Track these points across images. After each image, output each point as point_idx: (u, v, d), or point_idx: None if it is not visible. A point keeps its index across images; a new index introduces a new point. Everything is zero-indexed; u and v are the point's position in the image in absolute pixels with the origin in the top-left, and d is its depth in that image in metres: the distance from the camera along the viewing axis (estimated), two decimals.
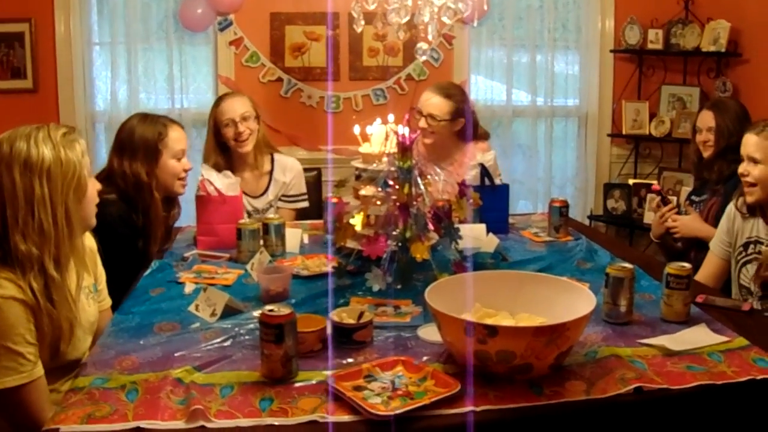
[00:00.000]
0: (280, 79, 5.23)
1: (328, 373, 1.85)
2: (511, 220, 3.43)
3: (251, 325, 2.17)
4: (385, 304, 2.37)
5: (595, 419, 1.77)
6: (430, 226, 2.52)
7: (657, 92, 5.52)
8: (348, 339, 2.04)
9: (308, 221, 3.62)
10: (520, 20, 5.47)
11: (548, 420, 1.74)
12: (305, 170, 4.03)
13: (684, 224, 3.53)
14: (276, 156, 3.89)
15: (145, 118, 3.12)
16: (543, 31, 5.47)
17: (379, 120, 2.73)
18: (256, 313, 2.12)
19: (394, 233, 2.45)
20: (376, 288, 2.40)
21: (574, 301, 1.98)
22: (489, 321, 1.97)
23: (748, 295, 2.89)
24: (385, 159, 2.59)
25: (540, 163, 5.67)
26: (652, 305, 2.35)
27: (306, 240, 3.18)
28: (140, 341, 2.11)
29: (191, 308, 2.33)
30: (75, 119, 5.06)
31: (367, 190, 2.58)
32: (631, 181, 5.50)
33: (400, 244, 2.44)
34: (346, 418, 1.68)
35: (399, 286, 2.46)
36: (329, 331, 2.07)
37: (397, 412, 1.65)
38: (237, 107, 3.67)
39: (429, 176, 2.54)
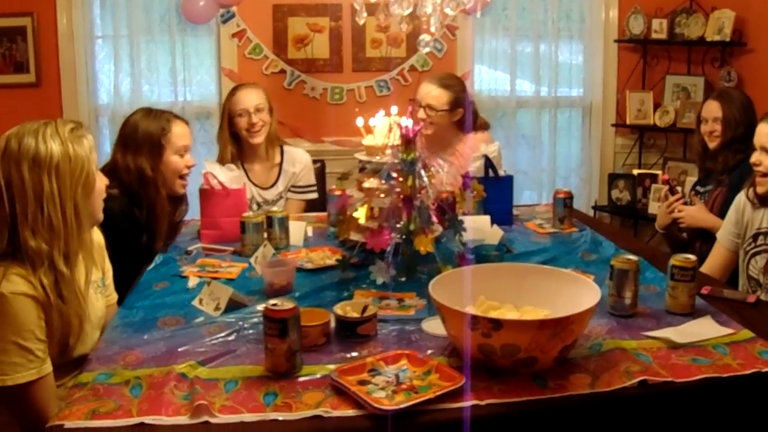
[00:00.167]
0: (283, 71, 5.23)
1: (332, 367, 1.85)
2: (515, 212, 3.42)
3: (255, 319, 2.16)
4: (389, 297, 2.36)
5: (599, 412, 1.77)
6: (434, 219, 2.51)
7: (661, 82, 5.50)
8: (352, 332, 2.04)
9: (313, 213, 3.62)
10: (523, 10, 5.45)
11: (553, 413, 1.73)
12: None
13: (689, 215, 3.51)
14: (285, 148, 3.90)
15: (149, 112, 3.11)
16: (547, 21, 5.46)
17: (382, 112, 2.72)
18: (260, 307, 2.12)
19: (398, 226, 2.45)
20: (380, 281, 2.40)
21: (578, 293, 1.97)
22: (493, 314, 1.97)
23: (756, 286, 2.88)
24: (388, 151, 2.58)
25: (544, 153, 5.66)
26: (657, 297, 2.35)
27: (310, 233, 3.17)
28: (144, 336, 2.11)
29: (195, 302, 2.32)
30: (78, 113, 5.06)
31: (370, 183, 2.58)
32: (635, 172, 5.49)
33: (404, 236, 2.44)
34: (350, 412, 1.67)
35: (403, 279, 2.46)
36: (333, 324, 2.07)
37: (401, 406, 1.64)
38: (251, 98, 3.69)
39: (432, 168, 2.53)
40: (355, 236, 2.60)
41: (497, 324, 1.74)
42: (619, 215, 5.63)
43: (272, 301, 1.87)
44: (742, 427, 1.87)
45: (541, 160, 5.65)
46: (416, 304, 2.30)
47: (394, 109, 2.66)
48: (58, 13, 5.05)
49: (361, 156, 2.71)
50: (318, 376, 1.84)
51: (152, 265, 2.76)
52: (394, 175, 2.48)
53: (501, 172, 3.28)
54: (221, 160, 3.70)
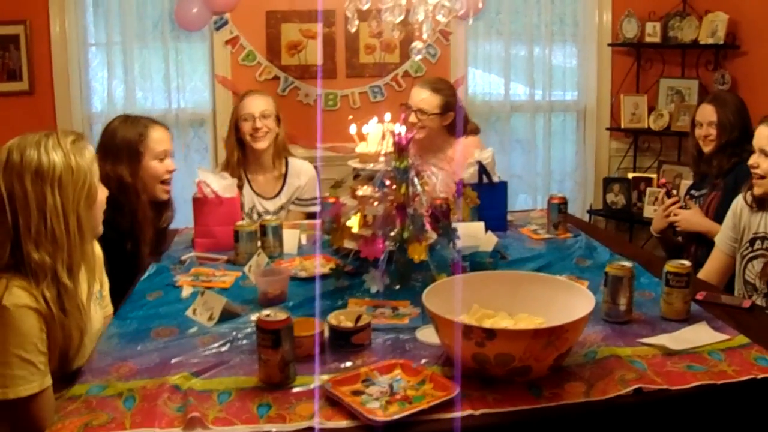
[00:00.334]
0: (276, 78, 5.22)
1: (326, 377, 1.84)
2: (509, 218, 3.42)
3: (249, 329, 2.15)
4: (383, 305, 2.35)
5: (594, 421, 1.76)
6: (428, 227, 2.50)
7: (655, 85, 5.51)
8: (346, 342, 2.03)
9: (306, 221, 3.61)
10: (517, 14, 5.45)
11: (548, 422, 1.72)
12: None
13: (685, 218, 3.51)
14: (290, 159, 3.87)
15: (127, 119, 3.10)
16: (540, 25, 5.47)
17: (375, 119, 2.72)
18: (254, 317, 2.11)
19: (392, 234, 2.44)
20: (374, 290, 2.39)
21: (572, 300, 1.97)
22: (487, 322, 1.97)
23: (752, 291, 2.87)
24: (381, 159, 2.58)
25: (539, 158, 5.65)
26: (652, 303, 2.34)
27: (304, 241, 3.16)
28: (137, 347, 2.10)
29: (189, 312, 2.32)
30: (72, 121, 5.05)
31: (364, 190, 2.57)
32: (630, 175, 5.49)
33: (397, 244, 2.43)
34: (344, 423, 1.66)
35: (397, 287, 2.45)
36: (327, 334, 2.06)
37: (395, 417, 1.63)
38: (258, 103, 3.71)
39: (425, 176, 2.52)
40: (349, 244, 2.60)
41: (491, 333, 1.73)
42: (614, 219, 5.63)
43: (265, 312, 1.87)
44: None
45: (536, 164, 5.65)
46: (410, 313, 2.29)
47: (387, 116, 2.65)
48: (51, 21, 5.03)
49: (355, 163, 2.71)
50: (312, 386, 1.83)
51: (146, 275, 2.75)
52: (388, 182, 2.48)
53: (495, 178, 3.27)
54: (226, 165, 3.72)
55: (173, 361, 1.99)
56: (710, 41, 5.21)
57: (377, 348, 2.06)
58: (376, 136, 2.65)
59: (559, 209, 3.24)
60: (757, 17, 5.05)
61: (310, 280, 2.64)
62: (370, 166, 2.61)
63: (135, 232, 2.95)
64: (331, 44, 5.23)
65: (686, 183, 4.14)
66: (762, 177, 2.85)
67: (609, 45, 5.49)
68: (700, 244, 3.48)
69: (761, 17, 5.00)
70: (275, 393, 1.80)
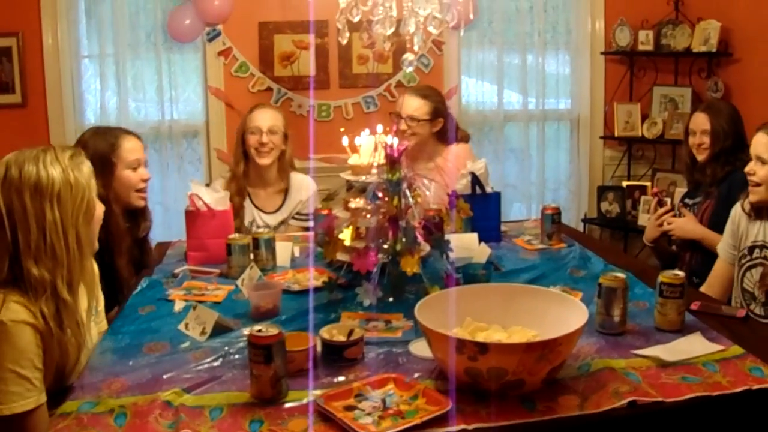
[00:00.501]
0: (269, 89, 5.21)
1: (318, 393, 1.83)
2: (503, 228, 3.41)
3: (241, 344, 2.14)
4: (376, 318, 2.34)
5: None
6: (420, 239, 2.49)
7: (648, 93, 5.50)
8: (339, 356, 2.02)
9: (300, 233, 3.59)
10: (509, 23, 5.45)
11: None
12: None
13: (679, 226, 3.51)
14: (292, 174, 3.83)
15: (98, 131, 3.10)
16: (533, 34, 5.46)
17: (367, 131, 2.71)
18: (246, 331, 2.09)
19: (385, 246, 2.43)
20: (366, 303, 2.38)
21: (566, 313, 1.96)
22: (480, 335, 1.96)
23: (751, 300, 2.86)
24: (374, 171, 2.57)
25: (533, 167, 5.65)
26: (646, 314, 2.33)
27: (297, 253, 3.15)
28: (129, 362, 2.09)
29: (181, 327, 2.30)
30: (65, 133, 5.04)
31: (356, 203, 2.56)
32: (624, 184, 5.48)
33: (390, 257, 2.42)
34: None
35: (390, 299, 2.44)
36: (319, 348, 2.05)
37: None
38: (266, 118, 3.68)
39: (418, 188, 2.52)
40: (341, 256, 2.59)
41: (483, 347, 1.72)
42: (608, 228, 5.62)
43: (257, 327, 1.86)
44: None
45: (530, 173, 5.64)
46: (403, 326, 2.28)
47: (379, 128, 2.65)
48: (44, 33, 5.02)
49: (347, 176, 2.70)
50: (304, 401, 1.82)
51: (138, 289, 2.74)
52: (380, 194, 2.47)
53: (488, 189, 3.27)
54: (232, 176, 3.71)
55: (165, 376, 1.98)
56: (703, 49, 5.21)
57: (370, 362, 2.05)
58: (368, 148, 2.64)
59: (552, 219, 3.24)
60: (750, 25, 5.06)
61: (303, 293, 2.62)
62: (363, 178, 2.61)
63: (110, 244, 2.91)
64: (323, 55, 5.23)
65: (680, 191, 4.15)
66: (758, 184, 2.84)
67: (602, 53, 5.49)
68: (694, 252, 3.48)
69: (754, 25, 5.01)
70: (267, 409, 1.79)
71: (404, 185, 2.45)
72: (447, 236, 2.60)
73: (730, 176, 3.41)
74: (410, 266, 2.38)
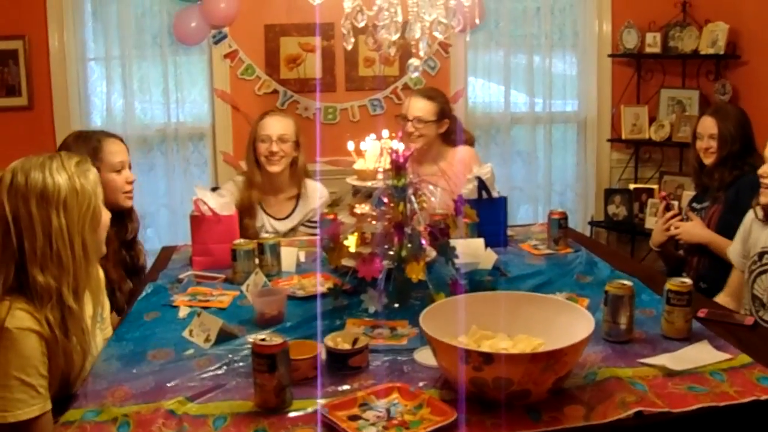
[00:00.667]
0: (275, 92, 5.20)
1: (322, 402, 1.82)
2: (510, 232, 3.40)
3: (245, 351, 2.13)
4: (381, 325, 2.34)
5: None
6: (426, 245, 2.48)
7: (656, 96, 5.48)
8: (343, 365, 2.01)
9: (305, 237, 3.58)
10: (516, 25, 5.43)
11: None
12: None
13: (686, 231, 3.49)
14: (306, 181, 3.81)
15: (80, 135, 3.09)
16: (540, 36, 5.45)
17: (373, 136, 2.70)
18: (251, 338, 2.09)
19: (390, 253, 2.42)
20: (371, 310, 2.37)
21: (572, 321, 1.95)
22: (486, 344, 1.95)
23: (760, 307, 2.83)
24: (380, 176, 2.56)
25: (540, 169, 5.63)
26: (653, 321, 2.31)
27: (302, 258, 3.14)
28: (133, 370, 2.09)
29: (185, 333, 2.30)
30: None
31: (361, 208, 2.55)
32: (631, 186, 5.46)
33: (395, 263, 2.41)
34: None
35: (396, 305, 2.43)
36: (324, 356, 2.04)
37: None
38: (277, 126, 3.65)
39: (423, 194, 2.51)
40: (347, 262, 2.57)
41: (488, 358, 1.71)
42: (615, 231, 5.60)
43: (261, 336, 1.86)
44: None
45: (537, 176, 5.63)
46: (408, 333, 2.27)
47: (385, 133, 2.64)
48: (50, 36, 5.02)
49: (353, 181, 2.69)
50: (309, 410, 1.81)
51: (143, 294, 2.73)
52: (385, 200, 2.46)
53: (494, 194, 3.26)
54: (249, 184, 3.67)
55: (169, 384, 1.97)
56: (711, 51, 5.19)
57: (375, 370, 2.04)
58: (374, 153, 2.63)
59: (559, 224, 3.22)
60: (758, 27, 5.03)
61: (308, 299, 2.62)
62: (369, 183, 2.60)
63: None
64: (330, 57, 5.22)
65: (688, 194, 4.12)
66: None
67: (609, 56, 5.47)
68: (701, 257, 3.46)
69: (762, 27, 4.98)
70: (271, 418, 1.78)
71: (410, 191, 2.44)
72: (453, 242, 2.59)
73: (738, 181, 3.39)
74: (415, 273, 2.37)
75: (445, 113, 3.84)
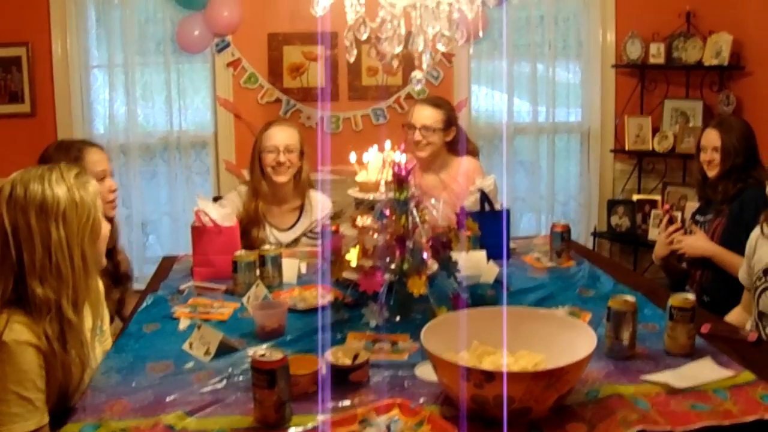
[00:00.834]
0: (278, 100, 5.21)
1: (322, 418, 1.81)
2: (512, 245, 3.37)
3: (246, 365, 2.11)
4: (383, 339, 2.32)
5: None
6: (428, 259, 2.46)
7: (659, 107, 5.48)
8: (344, 380, 2.00)
9: (307, 248, 3.56)
10: (520, 35, 5.44)
11: None
12: None
13: (689, 244, 3.46)
14: (311, 192, 3.76)
15: (61, 145, 3.06)
16: (544, 46, 5.45)
17: (375, 147, 2.69)
18: (251, 351, 2.08)
19: (392, 266, 2.41)
20: (373, 324, 2.35)
21: (574, 338, 1.94)
22: (487, 360, 1.93)
23: (767, 323, 2.82)
24: (382, 188, 2.55)
25: (543, 179, 5.63)
26: (656, 337, 2.30)
27: (304, 269, 3.12)
28: (132, 383, 2.07)
29: (185, 346, 2.28)
30: None
31: (363, 221, 2.54)
32: (635, 197, 5.46)
33: (397, 276, 2.40)
34: None
35: (397, 318, 2.42)
36: (324, 371, 2.02)
37: None
38: (282, 136, 3.60)
39: (426, 208, 2.49)
40: (348, 275, 2.56)
41: (489, 376, 1.70)
42: (618, 242, 5.59)
43: (260, 352, 1.84)
44: None
45: (540, 186, 5.63)
46: (410, 348, 2.25)
47: (387, 144, 2.62)
48: (53, 43, 5.04)
49: (355, 193, 2.68)
50: (309, 426, 1.80)
51: (143, 306, 2.72)
52: (387, 213, 2.45)
53: (497, 206, 3.24)
54: (255, 194, 3.62)
55: (168, 399, 1.96)
56: (714, 62, 5.19)
57: (375, 385, 2.02)
58: (376, 165, 2.62)
59: (562, 237, 3.21)
60: (762, 38, 5.03)
61: (309, 311, 2.60)
62: (371, 196, 2.58)
63: None
64: (333, 66, 5.23)
65: (691, 205, 4.10)
66: None
67: (613, 66, 5.47)
68: (705, 270, 3.44)
69: (766, 38, 4.98)
70: None
71: (412, 204, 2.43)
72: (455, 255, 2.57)
73: (741, 194, 3.37)
74: (417, 287, 2.35)
75: (451, 121, 3.82)
